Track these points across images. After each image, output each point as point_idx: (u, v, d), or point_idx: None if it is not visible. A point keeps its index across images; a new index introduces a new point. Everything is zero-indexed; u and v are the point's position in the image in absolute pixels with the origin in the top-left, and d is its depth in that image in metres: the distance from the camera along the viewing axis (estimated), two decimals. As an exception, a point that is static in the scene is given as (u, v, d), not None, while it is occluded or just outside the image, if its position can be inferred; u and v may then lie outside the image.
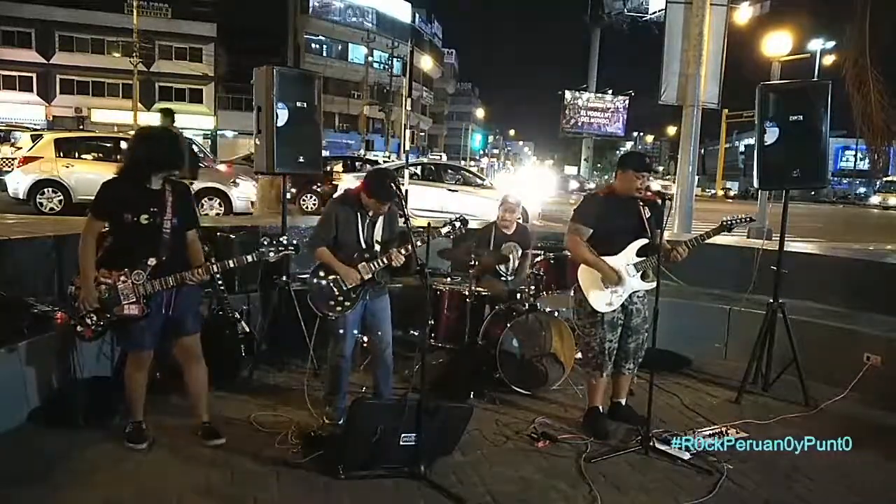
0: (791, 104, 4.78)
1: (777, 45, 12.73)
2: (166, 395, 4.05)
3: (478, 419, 3.94)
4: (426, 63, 52.71)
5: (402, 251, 3.79)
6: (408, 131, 29.50)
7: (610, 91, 40.50)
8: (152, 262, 3.34)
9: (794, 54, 13.73)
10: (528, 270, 4.98)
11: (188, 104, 40.04)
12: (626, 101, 39.43)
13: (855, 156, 53.05)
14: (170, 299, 3.44)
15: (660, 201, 3.90)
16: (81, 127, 33.52)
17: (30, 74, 38.58)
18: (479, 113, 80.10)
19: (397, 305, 4.19)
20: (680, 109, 8.89)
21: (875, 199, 44.30)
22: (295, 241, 3.67)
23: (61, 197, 11.90)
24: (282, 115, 4.71)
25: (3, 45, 37.26)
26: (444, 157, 44.17)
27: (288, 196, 6.03)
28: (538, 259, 5.07)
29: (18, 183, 11.99)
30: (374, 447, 3.27)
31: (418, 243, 3.82)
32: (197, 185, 10.85)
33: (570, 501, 3.24)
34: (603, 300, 3.99)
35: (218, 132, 41.08)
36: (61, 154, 12.14)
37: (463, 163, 43.05)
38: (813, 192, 36.72)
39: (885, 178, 44.66)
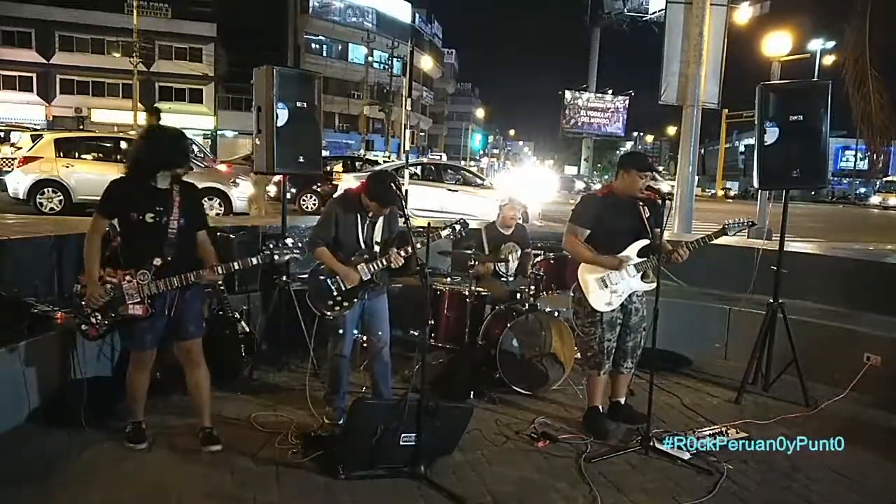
0: (791, 104, 4.78)
1: (777, 45, 12.74)
2: (167, 395, 4.06)
3: (478, 419, 3.94)
4: (426, 63, 52.71)
5: (402, 252, 3.79)
6: (408, 131, 29.46)
7: (610, 91, 40.57)
8: (158, 262, 3.34)
9: (794, 54, 13.74)
10: (530, 270, 4.98)
11: (188, 104, 40.13)
12: (626, 101, 39.51)
13: (855, 156, 53.11)
14: (172, 300, 3.43)
15: (659, 201, 3.90)
16: (81, 127, 33.48)
17: (30, 74, 38.58)
18: (479, 113, 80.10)
19: (397, 305, 4.19)
20: (680, 109, 8.87)
21: (875, 199, 44.38)
22: (300, 244, 3.67)
23: (61, 197, 11.89)
24: (282, 115, 4.71)
25: (3, 45, 37.25)
26: (444, 157, 44.13)
27: (288, 196, 6.02)
28: (538, 259, 5.07)
29: (18, 183, 11.98)
30: (374, 447, 3.27)
31: (418, 244, 3.83)
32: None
33: (569, 501, 3.24)
34: (602, 300, 3.99)
35: (218, 132, 41.07)
36: (61, 154, 12.13)
37: (463, 163, 43.06)
38: (813, 192, 36.78)
39: (884, 178, 44.77)
